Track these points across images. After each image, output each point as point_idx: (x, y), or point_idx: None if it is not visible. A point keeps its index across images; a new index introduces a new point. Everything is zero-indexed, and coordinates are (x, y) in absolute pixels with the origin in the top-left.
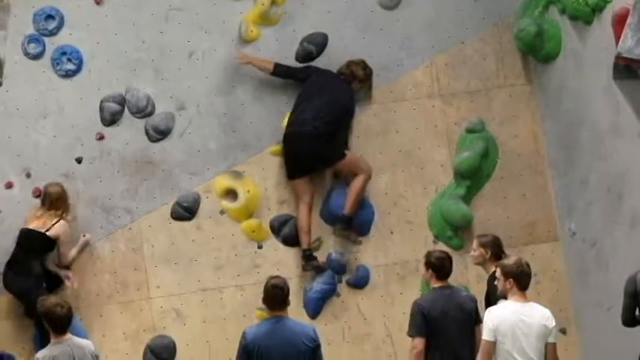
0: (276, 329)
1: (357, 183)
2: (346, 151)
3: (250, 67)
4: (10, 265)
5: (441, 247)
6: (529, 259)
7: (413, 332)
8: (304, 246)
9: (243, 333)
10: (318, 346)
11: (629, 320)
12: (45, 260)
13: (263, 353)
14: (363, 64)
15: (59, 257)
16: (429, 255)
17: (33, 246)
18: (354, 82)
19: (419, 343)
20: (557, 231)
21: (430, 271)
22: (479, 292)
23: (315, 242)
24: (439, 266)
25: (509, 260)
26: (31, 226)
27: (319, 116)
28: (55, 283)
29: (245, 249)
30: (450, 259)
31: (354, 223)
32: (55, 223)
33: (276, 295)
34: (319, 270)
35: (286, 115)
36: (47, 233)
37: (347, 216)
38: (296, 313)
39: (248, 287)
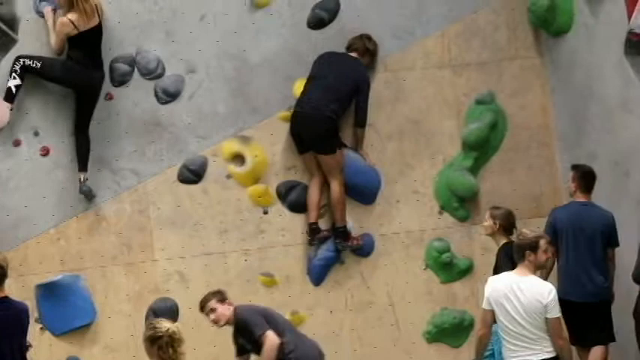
0: (577, 211)
1: (336, 194)
2: (337, 149)
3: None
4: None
5: (447, 217)
6: None
7: None
8: (311, 220)
9: (552, 210)
10: (611, 232)
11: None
12: None
13: (563, 229)
14: (371, 38)
15: None
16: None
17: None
18: (366, 56)
19: None
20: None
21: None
22: (483, 265)
23: (321, 209)
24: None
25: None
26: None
27: (326, 97)
28: None
29: (251, 214)
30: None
31: (349, 231)
32: None
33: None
34: (325, 241)
35: (296, 80)
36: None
37: (340, 227)
38: (299, 279)
39: (252, 252)
